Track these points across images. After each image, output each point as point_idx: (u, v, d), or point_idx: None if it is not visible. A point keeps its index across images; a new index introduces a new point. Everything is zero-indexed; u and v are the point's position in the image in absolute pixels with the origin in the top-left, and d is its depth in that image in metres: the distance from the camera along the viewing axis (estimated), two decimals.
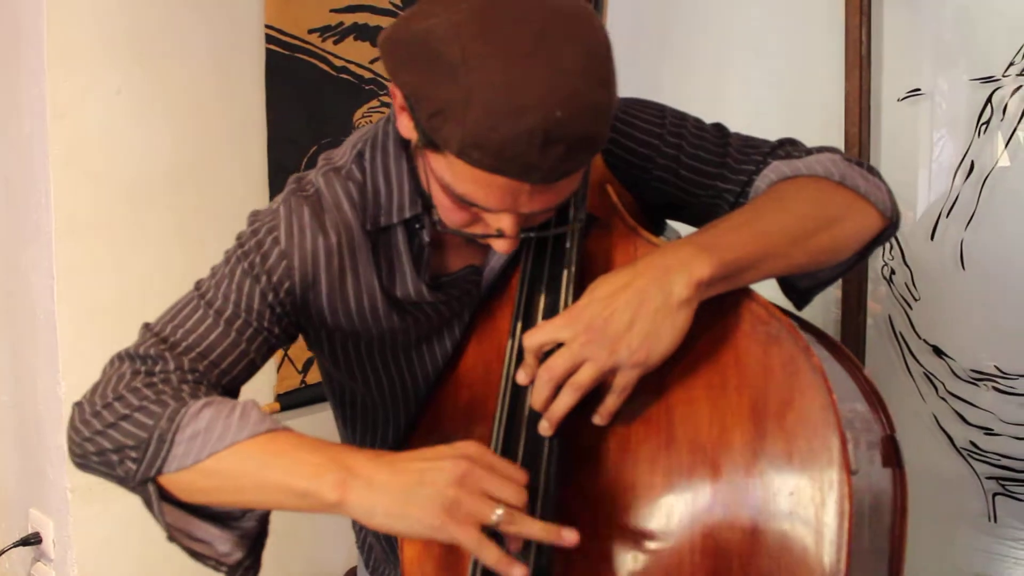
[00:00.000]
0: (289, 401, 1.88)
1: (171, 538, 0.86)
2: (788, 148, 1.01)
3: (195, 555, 0.87)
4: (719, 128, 1.03)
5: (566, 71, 0.73)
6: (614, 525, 0.85)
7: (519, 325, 0.91)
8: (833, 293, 1.78)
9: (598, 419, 0.85)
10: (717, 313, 0.84)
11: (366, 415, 1.07)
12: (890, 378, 1.72)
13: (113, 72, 1.63)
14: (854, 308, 1.72)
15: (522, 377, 0.85)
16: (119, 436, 0.84)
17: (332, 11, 1.92)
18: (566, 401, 0.83)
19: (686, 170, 1.00)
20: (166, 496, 0.85)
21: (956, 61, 1.61)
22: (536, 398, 0.84)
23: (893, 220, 0.98)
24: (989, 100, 1.56)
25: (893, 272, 1.71)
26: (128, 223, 1.67)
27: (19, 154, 1.65)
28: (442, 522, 0.74)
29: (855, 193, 0.94)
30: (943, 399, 1.65)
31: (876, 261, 1.73)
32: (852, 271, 1.68)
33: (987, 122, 1.56)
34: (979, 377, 1.60)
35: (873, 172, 0.99)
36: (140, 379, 0.87)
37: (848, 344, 1.73)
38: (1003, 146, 1.55)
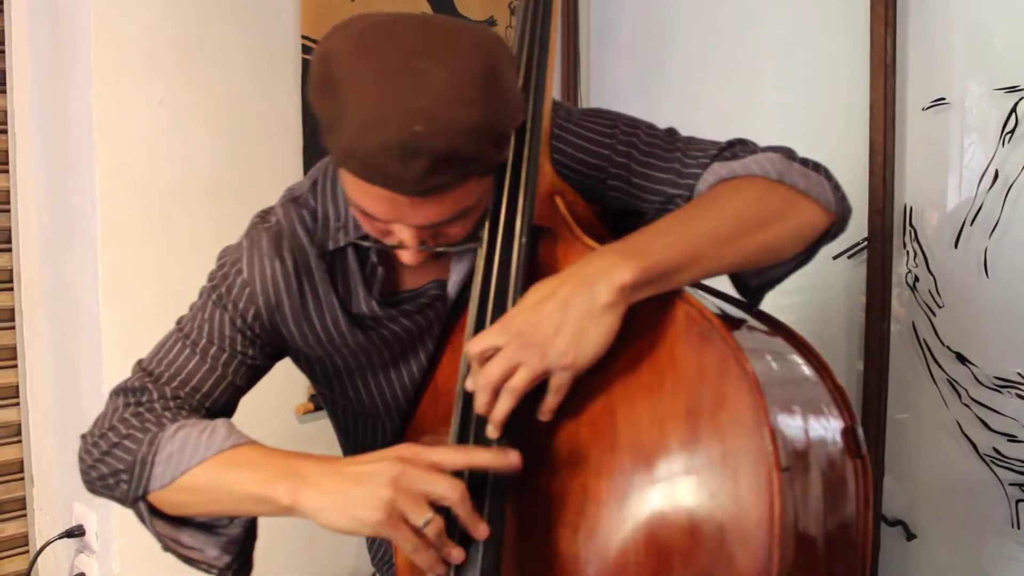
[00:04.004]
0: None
1: (166, 548, 0.94)
2: (736, 149, 1.00)
3: (188, 560, 0.95)
4: (670, 133, 1.03)
5: (430, 89, 0.76)
6: (564, 528, 0.87)
7: (469, 339, 0.93)
8: (857, 300, 1.79)
9: (542, 416, 0.87)
10: (654, 316, 0.85)
11: (357, 425, 1.13)
12: (913, 385, 1.73)
13: (156, 83, 1.69)
14: (878, 315, 1.72)
15: (469, 384, 0.88)
16: (113, 462, 0.93)
17: None
18: (505, 405, 0.85)
19: (638, 178, 1.01)
20: (156, 511, 0.94)
21: (980, 71, 1.62)
22: (478, 402, 0.86)
23: (840, 216, 0.97)
24: (1014, 110, 1.56)
25: (917, 279, 1.71)
26: (170, 228, 1.73)
27: (66, 162, 1.71)
28: (379, 520, 0.80)
29: (794, 190, 0.94)
30: (966, 406, 1.65)
31: (900, 268, 1.74)
32: (876, 278, 1.71)
33: (1012, 131, 1.57)
34: (1003, 384, 1.60)
35: (819, 169, 0.98)
36: (130, 410, 0.96)
37: (872, 350, 1.74)
38: None
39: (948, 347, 1.68)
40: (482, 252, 0.93)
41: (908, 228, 1.72)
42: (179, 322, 1.03)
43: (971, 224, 1.63)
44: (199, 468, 0.89)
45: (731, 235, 0.89)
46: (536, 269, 0.94)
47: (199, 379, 0.98)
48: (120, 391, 0.99)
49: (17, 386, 1.86)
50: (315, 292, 1.00)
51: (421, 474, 0.81)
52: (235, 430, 0.93)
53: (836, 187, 0.98)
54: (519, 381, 0.84)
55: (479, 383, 0.85)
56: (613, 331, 0.82)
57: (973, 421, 1.64)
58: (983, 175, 1.61)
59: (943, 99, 1.67)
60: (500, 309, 0.90)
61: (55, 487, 1.85)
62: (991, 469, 1.63)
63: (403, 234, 0.86)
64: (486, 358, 0.85)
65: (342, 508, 0.81)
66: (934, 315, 1.70)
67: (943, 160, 1.68)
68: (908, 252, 1.73)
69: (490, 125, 0.79)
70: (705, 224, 0.89)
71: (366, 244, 0.96)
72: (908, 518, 1.76)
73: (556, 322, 0.82)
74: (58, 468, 1.83)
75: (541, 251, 0.95)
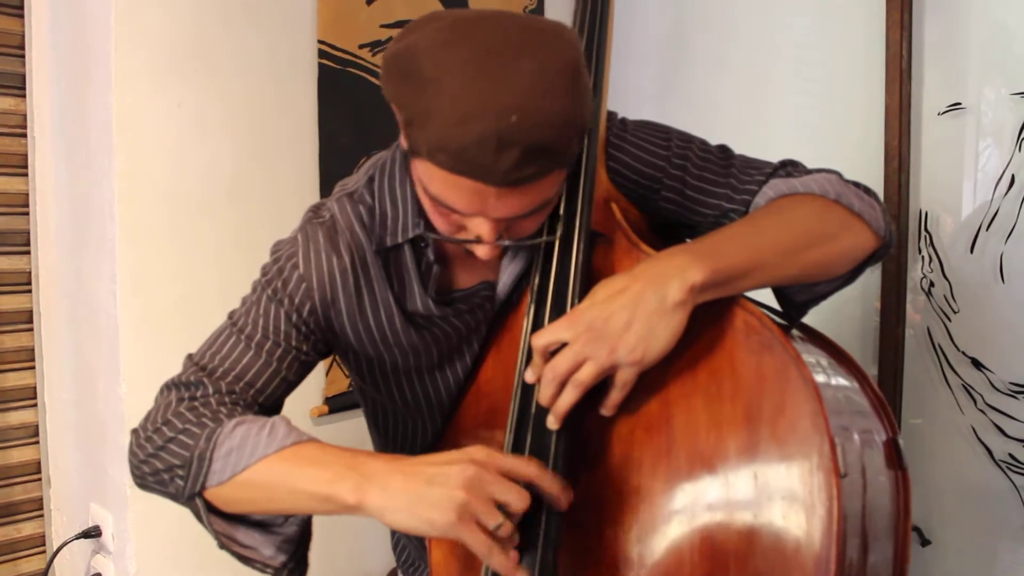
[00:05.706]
0: (337, 404, 1.94)
1: (221, 545, 0.94)
2: (789, 168, 1.03)
3: (243, 559, 0.95)
4: (723, 150, 1.06)
5: (523, 82, 0.78)
6: (618, 527, 0.88)
7: (527, 335, 0.95)
8: (872, 304, 1.78)
9: (604, 411, 0.89)
10: (714, 323, 0.87)
11: (396, 425, 1.13)
12: (928, 390, 1.73)
13: (175, 87, 1.70)
14: (893, 320, 1.72)
15: (529, 375, 0.89)
16: (168, 457, 0.93)
17: (382, 26, 1.98)
18: (569, 397, 0.87)
19: (692, 191, 1.03)
20: (213, 508, 0.93)
21: (996, 75, 1.62)
22: (543, 394, 0.88)
23: (887, 240, 1.00)
24: None
25: (932, 284, 1.71)
26: (188, 230, 1.74)
27: (85, 165, 1.72)
28: (450, 522, 0.80)
29: (850, 211, 0.96)
30: (982, 411, 1.64)
31: (915, 273, 1.73)
32: (891, 283, 1.71)
33: None
34: (1018, 390, 1.60)
35: (869, 193, 1.01)
36: (184, 405, 0.95)
37: (887, 355, 1.74)
38: None
39: (963, 352, 1.67)
40: (540, 256, 0.95)
41: (923, 233, 1.72)
42: (231, 316, 1.02)
43: (987, 229, 1.63)
44: (260, 465, 0.88)
45: (793, 247, 0.91)
46: (592, 273, 0.95)
47: (254, 374, 0.98)
48: (173, 385, 0.98)
49: (35, 387, 1.88)
50: (371, 289, 1.00)
51: (494, 479, 0.82)
52: (294, 427, 0.92)
53: (885, 212, 1.01)
54: (586, 375, 0.85)
55: (546, 376, 0.87)
56: (680, 329, 0.84)
57: (988, 427, 1.64)
58: (999, 180, 1.61)
59: (959, 104, 1.66)
60: (558, 312, 0.92)
61: (72, 488, 1.86)
62: (1006, 475, 1.62)
63: (482, 228, 0.87)
64: (551, 352, 0.87)
65: (412, 508, 0.81)
66: (949, 320, 1.69)
67: (959, 165, 1.68)
68: (923, 257, 1.72)
69: (577, 117, 0.82)
70: (770, 235, 0.92)
71: (435, 236, 0.95)
72: (923, 524, 1.75)
73: (626, 318, 0.84)
74: (75, 469, 1.84)
75: (596, 256, 0.97)
